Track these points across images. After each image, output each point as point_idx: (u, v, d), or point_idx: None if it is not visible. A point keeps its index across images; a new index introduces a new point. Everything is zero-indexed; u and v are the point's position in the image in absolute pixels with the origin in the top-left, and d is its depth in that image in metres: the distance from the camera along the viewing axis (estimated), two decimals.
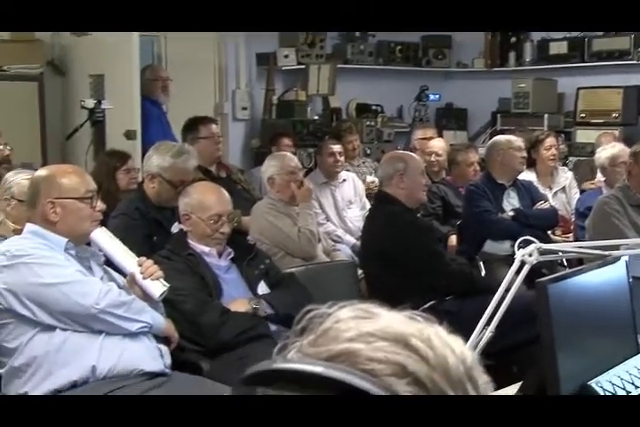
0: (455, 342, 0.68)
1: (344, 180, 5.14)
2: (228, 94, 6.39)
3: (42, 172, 2.62)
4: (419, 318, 0.69)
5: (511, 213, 4.33)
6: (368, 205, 5.01)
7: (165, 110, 5.58)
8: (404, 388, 0.63)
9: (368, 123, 6.73)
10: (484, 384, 0.68)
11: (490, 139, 5.46)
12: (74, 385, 2.34)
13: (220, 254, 3.06)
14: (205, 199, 3.04)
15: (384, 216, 3.56)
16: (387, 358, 0.64)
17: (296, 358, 0.67)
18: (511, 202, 4.43)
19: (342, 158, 5.14)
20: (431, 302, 3.32)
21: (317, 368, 0.62)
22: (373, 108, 7.03)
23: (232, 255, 3.08)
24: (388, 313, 0.69)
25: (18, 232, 3.07)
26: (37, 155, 5.06)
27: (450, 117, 7.33)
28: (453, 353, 0.66)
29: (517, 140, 4.52)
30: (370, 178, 5.54)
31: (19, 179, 3.26)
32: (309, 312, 0.70)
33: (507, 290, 2.10)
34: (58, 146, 5.31)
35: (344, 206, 5.05)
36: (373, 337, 0.66)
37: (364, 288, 3.78)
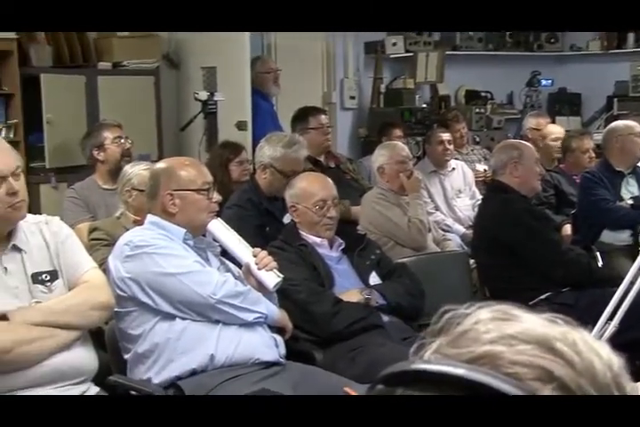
0: (601, 346, 0.66)
1: (453, 168, 5.08)
2: (336, 83, 6.40)
3: (161, 164, 2.70)
4: (559, 322, 0.67)
5: (630, 202, 4.17)
6: (478, 194, 4.94)
7: (273, 102, 5.65)
8: (549, 393, 0.62)
9: (477, 110, 6.61)
10: (632, 392, 0.65)
11: (605, 124, 5.27)
12: (193, 373, 2.41)
13: (331, 245, 3.08)
14: (308, 187, 3.08)
15: (498, 205, 3.50)
16: (530, 362, 0.63)
17: (435, 360, 0.66)
18: (630, 190, 4.27)
19: (451, 147, 5.08)
20: (547, 294, 3.25)
21: (459, 370, 0.61)
22: (483, 94, 6.90)
23: (343, 246, 3.10)
24: (527, 315, 0.67)
25: (138, 223, 3.18)
26: (154, 146, 5.22)
27: (563, 103, 7.11)
28: (600, 359, 0.64)
29: (637, 126, 4.35)
30: (479, 166, 5.45)
31: (137, 170, 3.37)
32: (446, 312, 0.69)
33: (631, 282, 2.03)
34: (173, 137, 5.45)
35: (453, 195, 4.99)
36: (515, 340, 0.64)
37: (476, 278, 3.74)
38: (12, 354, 2.04)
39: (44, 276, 2.22)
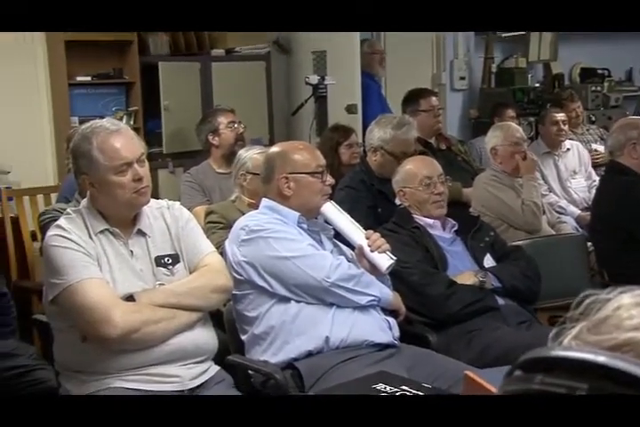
0: None
1: (567, 149, 4.95)
2: (445, 64, 6.32)
3: (275, 148, 2.74)
4: None
5: None
6: (594, 175, 4.80)
7: (380, 84, 5.63)
8: None
9: (593, 88, 6.40)
10: None
11: None
12: (309, 355, 2.44)
13: (443, 227, 3.07)
14: (411, 168, 3.10)
15: (617, 188, 3.39)
16: None
17: (575, 346, 0.65)
18: None
19: (566, 127, 4.94)
20: None
21: (600, 358, 0.60)
22: (599, 72, 6.66)
23: (456, 228, 3.08)
24: None
25: (253, 206, 3.24)
26: (265, 131, 5.30)
27: None
28: None
29: None
30: (595, 146, 5.28)
31: (251, 154, 3.44)
32: (587, 297, 0.68)
33: None
34: (283, 122, 5.52)
35: (567, 177, 4.87)
36: None
37: (594, 262, 3.63)
38: (140, 333, 2.13)
39: (166, 259, 2.29)
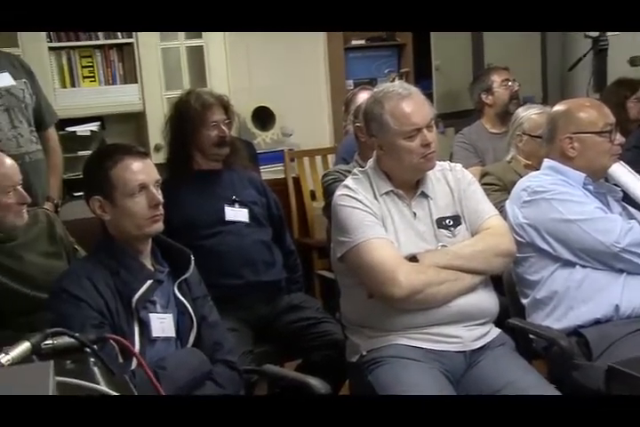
0: None
1: None
2: None
3: (559, 106, 2.62)
4: None
5: None
6: None
7: None
8: None
9: None
10: None
11: None
12: (596, 322, 2.34)
13: None
14: None
15: None
16: None
17: None
18: None
19: None
20: None
21: None
22: None
23: None
24: None
25: (529, 167, 3.15)
26: (538, 88, 5.11)
27: None
28: None
29: None
30: None
31: (530, 114, 3.31)
32: None
33: None
34: (557, 78, 5.28)
35: None
36: None
37: None
38: (423, 294, 2.14)
39: (447, 221, 2.28)
